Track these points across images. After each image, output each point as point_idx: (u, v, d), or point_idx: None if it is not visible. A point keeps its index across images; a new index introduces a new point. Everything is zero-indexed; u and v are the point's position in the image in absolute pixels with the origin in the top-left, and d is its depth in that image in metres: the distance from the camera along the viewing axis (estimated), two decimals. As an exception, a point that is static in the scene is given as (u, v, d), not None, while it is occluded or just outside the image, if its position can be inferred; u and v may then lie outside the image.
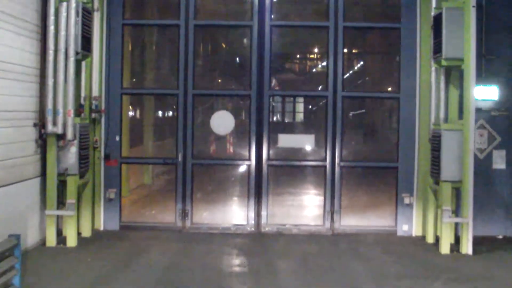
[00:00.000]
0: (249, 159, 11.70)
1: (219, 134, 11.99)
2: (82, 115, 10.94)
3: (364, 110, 12.78)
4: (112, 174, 11.72)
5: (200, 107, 12.13)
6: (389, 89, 12.21)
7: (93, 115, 11.32)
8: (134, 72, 12.72)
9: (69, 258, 9.62)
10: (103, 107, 11.57)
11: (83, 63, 11.02)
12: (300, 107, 13.08)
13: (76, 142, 10.33)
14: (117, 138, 11.70)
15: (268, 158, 11.70)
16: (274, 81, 12.16)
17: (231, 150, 12.47)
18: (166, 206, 12.03)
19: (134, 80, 12.75)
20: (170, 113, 12.67)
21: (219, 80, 13.08)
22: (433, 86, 10.96)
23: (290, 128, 13.18)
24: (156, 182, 14.07)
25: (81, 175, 10.69)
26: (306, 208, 12.45)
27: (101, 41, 11.44)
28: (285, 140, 11.91)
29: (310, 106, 12.97)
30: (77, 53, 10.23)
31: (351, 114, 12.24)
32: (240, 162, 11.88)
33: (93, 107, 11.28)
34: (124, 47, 11.80)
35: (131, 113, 13.02)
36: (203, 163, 11.96)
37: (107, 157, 11.66)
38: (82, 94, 11.02)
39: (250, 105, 11.67)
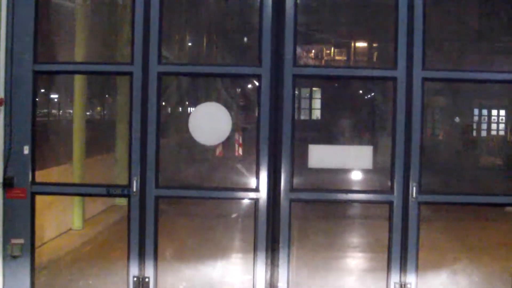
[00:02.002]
0: (257, 189, 6.68)
1: (203, 144, 6.97)
2: (-43, 108, 6.17)
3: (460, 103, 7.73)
4: (17, 213, 6.80)
5: (171, 97, 7.14)
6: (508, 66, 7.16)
7: (-20, 108, 6.52)
8: (58, 36, 7.71)
9: None
10: (1, 94, 6.69)
11: (-40, 17, 6.23)
12: (346, 97, 7.96)
13: None
14: (26, 151, 6.79)
15: (291, 188, 6.67)
16: (302, 52, 7.08)
17: (240, 153, 7.69)
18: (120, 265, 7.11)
19: (57, 49, 7.74)
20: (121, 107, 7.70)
21: (206, 50, 8.03)
22: None
23: (329, 134, 8.11)
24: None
25: None
26: (356, 277, 7.37)
27: (-3, -21, 6.64)
28: (321, 156, 6.87)
29: (364, 96, 7.85)
30: None
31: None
32: (240, 194, 6.86)
33: (-20, 94, 6.49)
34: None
35: (53, 107, 8.04)
36: (175, 194, 6.94)
37: (8, 184, 6.75)
38: (-42, 72, 6.28)
39: (260, 92, 6.69)
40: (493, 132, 8.02)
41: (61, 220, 9.41)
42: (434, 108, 7.97)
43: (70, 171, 9.93)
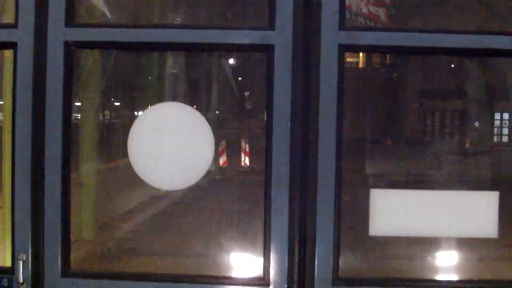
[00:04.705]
0: (266, 281, 3.32)
1: (156, 188, 3.60)
2: None
3: None
4: None
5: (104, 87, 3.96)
6: None
7: None
8: None
9: None
10: None
11: None
12: (443, 89, 4.65)
13: None
14: None
15: (335, 277, 3.31)
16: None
17: (247, 163, 5.86)
18: None
19: None
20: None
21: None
22: None
23: (409, 163, 4.78)
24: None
25: None
26: None
27: None
28: (397, 210, 3.46)
29: (478, 86, 4.59)
30: None
31: None
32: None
33: None
34: None
35: None
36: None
37: None
38: None
39: (271, 77, 3.31)
40: None
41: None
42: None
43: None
